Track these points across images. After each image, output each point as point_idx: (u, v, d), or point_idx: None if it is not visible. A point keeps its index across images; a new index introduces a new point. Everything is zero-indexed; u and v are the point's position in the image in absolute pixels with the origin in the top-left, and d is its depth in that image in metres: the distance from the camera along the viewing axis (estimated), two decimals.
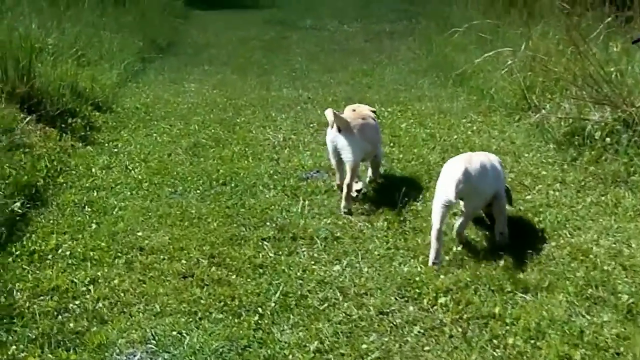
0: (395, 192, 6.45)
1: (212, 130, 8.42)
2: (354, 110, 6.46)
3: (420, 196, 6.41)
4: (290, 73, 12.27)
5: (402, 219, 5.96)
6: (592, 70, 7.85)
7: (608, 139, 7.11)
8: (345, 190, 6.16)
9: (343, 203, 6.15)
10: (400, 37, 15.78)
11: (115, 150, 7.65)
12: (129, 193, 6.45)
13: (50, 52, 10.16)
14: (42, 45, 10.25)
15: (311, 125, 8.72)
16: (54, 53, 10.13)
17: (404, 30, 16.49)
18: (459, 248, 5.43)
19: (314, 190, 6.56)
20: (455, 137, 8.25)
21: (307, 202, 6.28)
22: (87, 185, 6.62)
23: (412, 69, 12.59)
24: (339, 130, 6.19)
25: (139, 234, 5.62)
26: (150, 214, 6.00)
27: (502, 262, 5.19)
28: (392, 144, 7.92)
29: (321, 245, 5.51)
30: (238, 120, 8.91)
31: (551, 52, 9.33)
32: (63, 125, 7.87)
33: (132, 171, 7.00)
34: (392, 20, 18.17)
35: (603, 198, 6.32)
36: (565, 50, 9.18)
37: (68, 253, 5.27)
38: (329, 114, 6.22)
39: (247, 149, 7.71)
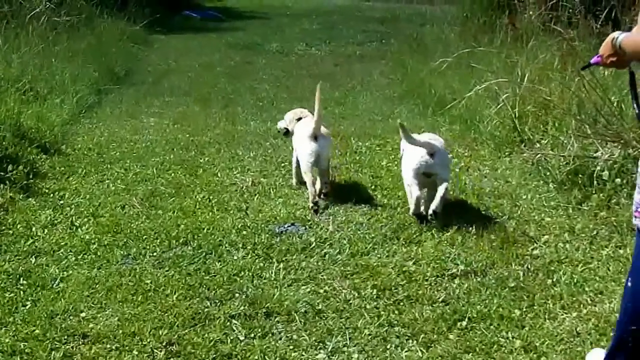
0: (382, 250, 5.61)
1: (172, 175, 7.47)
2: (303, 117, 7.03)
3: (412, 254, 5.52)
4: (257, 103, 11.39)
5: (393, 284, 5.06)
6: (592, 99, 7.05)
7: (618, 180, 6.29)
8: (319, 188, 6.63)
9: (314, 199, 6.44)
10: (372, 61, 15.00)
11: (62, 202, 6.66)
12: (73, 258, 5.47)
13: None
14: None
15: (282, 165, 7.81)
16: None
17: (375, 53, 15.73)
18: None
19: (289, 249, 5.64)
20: None
21: (281, 265, 5.36)
22: (24, 249, 5.62)
23: (387, 96, 11.79)
24: (315, 138, 6.53)
25: (82, 314, 4.65)
26: (97, 286, 5.03)
27: (517, 342, 4.31)
28: (373, 187, 7.06)
29: (301, 322, 4.59)
30: (201, 161, 7.98)
31: (542, 79, 8.51)
32: (2, 174, 6.88)
33: (79, 229, 6.02)
34: (361, 42, 17.42)
35: (621, 251, 5.48)
36: (557, 76, 8.39)
37: None
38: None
39: (211, 197, 6.77)
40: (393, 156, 8.10)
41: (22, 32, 11.70)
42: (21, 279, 5.13)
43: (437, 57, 11.83)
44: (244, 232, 5.95)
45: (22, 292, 4.94)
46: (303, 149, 6.65)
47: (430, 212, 5.94)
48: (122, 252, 5.57)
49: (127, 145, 8.66)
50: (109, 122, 9.92)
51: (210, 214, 6.36)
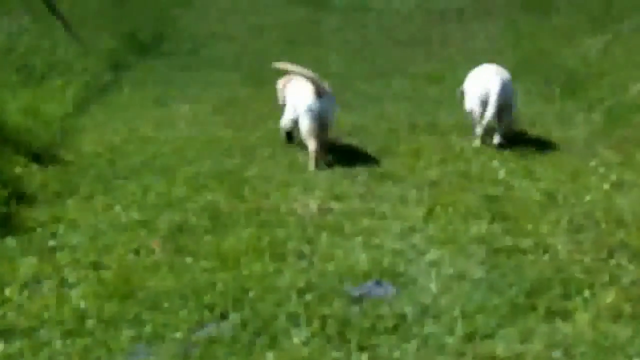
0: (512, 328, 4.59)
1: (209, 197, 6.55)
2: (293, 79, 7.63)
3: (559, 336, 4.44)
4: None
5: None
6: None
7: None
8: (324, 147, 7.24)
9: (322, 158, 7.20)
10: (473, 19, 13.93)
11: (52, 242, 5.76)
12: (59, 345, 4.50)
13: None
14: None
15: (357, 176, 6.99)
16: None
17: (477, 9, 14.59)
18: None
19: (375, 326, 4.62)
20: (588, 197, 6.32)
21: (364, 357, 4.32)
22: None
23: None
24: (320, 96, 7.19)
25: None
26: None
27: None
28: (490, 215, 5.97)
29: None
30: (248, 174, 7.09)
31: None
32: None
33: (72, 290, 5.08)
34: None
35: None
36: None
37: None
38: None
39: (261, 235, 5.78)
40: (511, 163, 7.15)
41: None
42: None
43: (561, 13, 10.80)
44: (308, 297, 4.94)
45: None
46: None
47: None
48: (130, 333, 4.60)
49: (149, 148, 7.86)
50: (128, 112, 9.21)
51: (260, 263, 5.38)
